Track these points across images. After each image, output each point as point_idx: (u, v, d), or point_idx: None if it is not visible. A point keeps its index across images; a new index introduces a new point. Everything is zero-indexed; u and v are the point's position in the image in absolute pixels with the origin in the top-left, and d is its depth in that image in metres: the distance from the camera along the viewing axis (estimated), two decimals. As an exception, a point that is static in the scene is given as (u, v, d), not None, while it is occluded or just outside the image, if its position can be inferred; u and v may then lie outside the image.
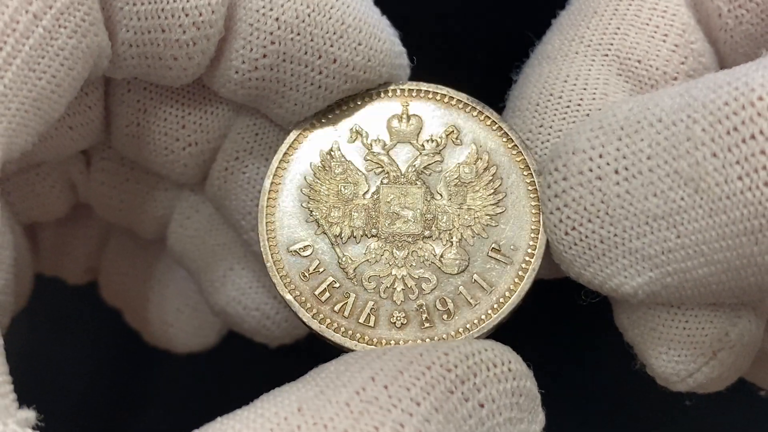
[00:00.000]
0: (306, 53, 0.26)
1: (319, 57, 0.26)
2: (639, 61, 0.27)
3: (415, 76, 0.29)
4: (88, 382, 0.45)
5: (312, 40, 0.25)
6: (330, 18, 0.26)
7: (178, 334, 0.35)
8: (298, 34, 0.25)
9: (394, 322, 0.26)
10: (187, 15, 0.24)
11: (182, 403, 0.42)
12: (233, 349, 0.36)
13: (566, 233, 0.25)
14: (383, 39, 0.27)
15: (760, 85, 0.21)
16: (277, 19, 0.25)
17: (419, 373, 0.22)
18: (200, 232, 0.32)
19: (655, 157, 0.23)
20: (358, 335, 0.26)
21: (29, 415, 0.21)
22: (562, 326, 0.42)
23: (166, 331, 0.35)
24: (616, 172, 0.23)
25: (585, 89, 0.27)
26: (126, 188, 0.31)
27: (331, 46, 0.26)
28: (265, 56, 0.26)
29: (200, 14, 0.24)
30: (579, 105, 0.27)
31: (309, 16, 0.25)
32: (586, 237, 0.24)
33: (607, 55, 0.27)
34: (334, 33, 0.26)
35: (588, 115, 0.26)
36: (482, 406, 0.23)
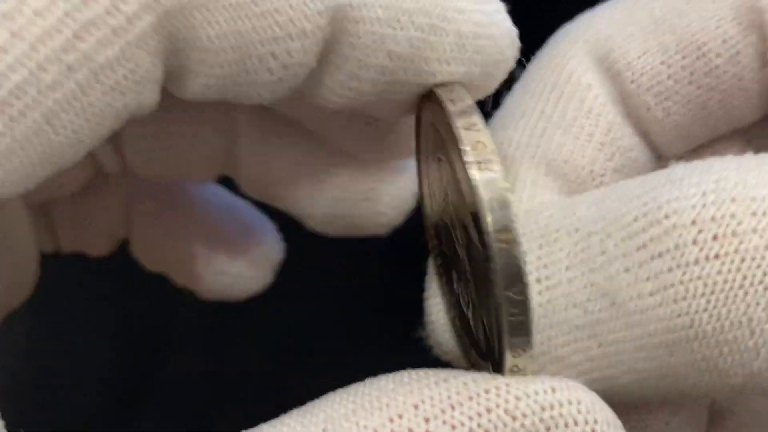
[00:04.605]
0: (419, 76, 0.23)
1: (434, 76, 0.23)
2: (565, 161, 0.27)
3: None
4: (87, 381, 0.43)
5: (426, 65, 0.23)
6: (447, 35, 0.23)
7: (235, 281, 0.33)
8: (412, 61, 0.22)
9: None
10: (276, 59, 0.21)
11: (182, 404, 0.42)
12: (234, 349, 0.35)
13: None
14: (505, 45, 0.24)
15: (666, 202, 0.22)
16: (389, 52, 0.22)
17: (474, 414, 0.19)
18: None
19: (572, 268, 0.23)
20: None
21: None
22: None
23: (221, 282, 0.33)
24: (538, 281, 0.23)
25: (513, 190, 0.27)
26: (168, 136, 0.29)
27: (448, 65, 0.23)
28: (373, 86, 0.23)
29: (291, 56, 0.21)
30: None
31: (424, 41, 0.22)
32: None
33: (534, 156, 0.27)
34: (451, 51, 0.23)
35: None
36: None
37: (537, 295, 0.23)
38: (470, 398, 0.20)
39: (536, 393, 0.20)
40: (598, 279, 0.22)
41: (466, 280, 0.24)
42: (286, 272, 0.34)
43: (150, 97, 0.21)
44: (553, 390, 0.20)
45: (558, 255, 0.23)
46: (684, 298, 0.21)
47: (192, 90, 0.22)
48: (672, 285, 0.21)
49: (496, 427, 0.20)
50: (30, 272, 0.29)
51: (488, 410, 0.20)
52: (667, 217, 0.21)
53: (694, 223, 0.21)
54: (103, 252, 0.34)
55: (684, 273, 0.21)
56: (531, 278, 0.23)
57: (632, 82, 0.27)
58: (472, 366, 0.24)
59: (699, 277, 0.21)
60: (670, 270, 0.21)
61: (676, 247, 0.21)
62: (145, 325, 0.45)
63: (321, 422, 0.20)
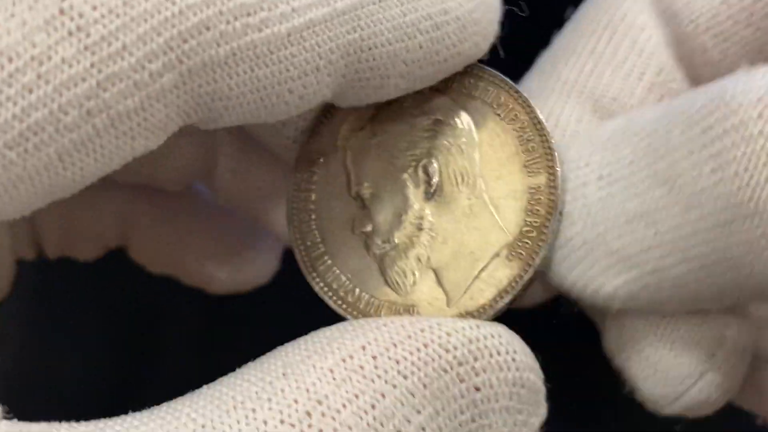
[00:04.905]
0: (433, 65, 0.25)
1: (446, 62, 0.25)
2: (614, 99, 0.28)
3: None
4: (80, 382, 0.45)
5: (438, 55, 0.25)
6: (449, 25, 0.24)
7: (247, 274, 0.34)
8: (425, 59, 0.24)
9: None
10: (292, 93, 0.23)
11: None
12: (229, 348, 0.36)
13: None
14: (494, 1, 0.26)
15: (732, 87, 0.22)
16: (404, 60, 0.24)
17: (414, 348, 0.22)
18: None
19: (635, 162, 0.24)
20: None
21: None
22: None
23: (234, 278, 0.34)
24: (600, 178, 0.24)
25: (556, 126, 0.27)
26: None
27: (455, 47, 0.25)
28: (395, 88, 0.25)
29: (306, 88, 0.23)
30: None
31: (431, 39, 0.24)
32: (570, 240, 0.25)
33: (582, 93, 0.28)
34: (455, 35, 0.24)
35: None
36: (478, 389, 0.22)
37: (597, 191, 0.24)
38: (409, 337, 0.22)
39: (464, 328, 0.23)
40: (661, 167, 0.23)
41: (416, 232, 0.26)
42: (282, 271, 0.34)
43: (156, 142, 0.22)
44: (478, 326, 0.23)
45: (622, 153, 0.24)
46: (746, 170, 0.22)
47: (215, 127, 0.23)
48: (734, 159, 0.22)
49: (433, 359, 0.22)
50: (3, 281, 0.30)
51: (425, 345, 0.22)
52: (732, 97, 0.22)
53: (759, 100, 0.22)
54: (91, 258, 0.34)
55: (747, 145, 0.22)
56: (593, 176, 0.24)
57: (690, 22, 0.27)
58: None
59: (762, 148, 0.21)
60: (733, 145, 0.22)
61: (741, 122, 0.22)
62: (139, 324, 0.45)
63: (280, 368, 0.21)
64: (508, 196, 0.25)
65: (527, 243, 0.25)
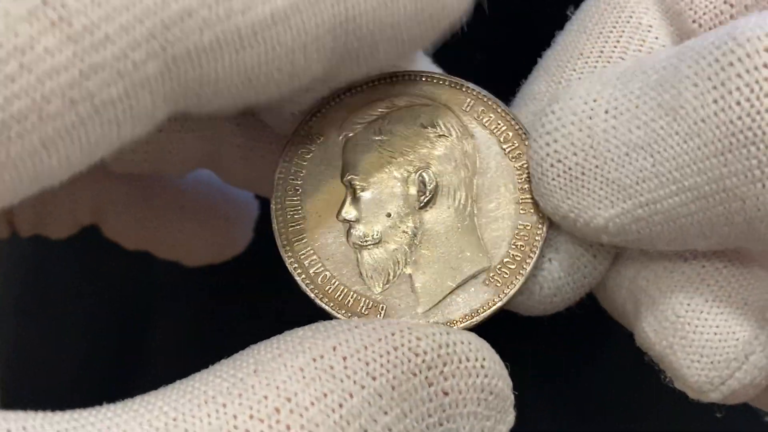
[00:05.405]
0: (420, 25, 0.25)
1: (431, 17, 0.25)
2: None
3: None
4: (81, 375, 0.45)
5: (423, 12, 0.24)
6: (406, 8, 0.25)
7: (222, 247, 0.35)
8: (412, 18, 0.24)
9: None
10: (281, 71, 0.23)
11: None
12: (227, 346, 0.36)
13: (552, 165, 0.26)
14: None
15: (743, 24, 0.23)
16: (391, 24, 0.24)
17: (384, 351, 0.22)
18: None
19: (642, 96, 0.24)
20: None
21: None
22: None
23: (209, 251, 0.35)
24: (606, 111, 0.25)
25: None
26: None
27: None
28: (385, 54, 0.25)
29: (293, 65, 0.23)
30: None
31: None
32: (569, 168, 0.25)
33: None
34: (414, 18, 0.25)
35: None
36: (446, 394, 0.23)
37: (602, 123, 0.25)
38: (380, 339, 0.23)
39: (434, 334, 0.23)
40: (666, 98, 0.24)
41: (400, 235, 0.26)
42: (279, 270, 0.35)
43: (144, 130, 0.22)
44: (447, 333, 0.24)
45: (630, 87, 0.25)
46: (747, 99, 0.22)
47: (209, 113, 0.23)
48: (737, 89, 0.23)
49: (402, 362, 0.22)
50: None
51: (395, 348, 0.23)
52: (741, 33, 0.23)
53: (767, 34, 0.23)
54: (63, 236, 0.34)
55: (750, 76, 0.22)
56: (600, 110, 0.25)
57: (694, 21, 0.27)
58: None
59: (765, 80, 0.22)
60: (738, 75, 0.23)
61: (747, 54, 0.23)
62: (129, 323, 0.44)
63: (251, 365, 0.22)
64: (497, 226, 0.26)
65: (505, 273, 0.26)
